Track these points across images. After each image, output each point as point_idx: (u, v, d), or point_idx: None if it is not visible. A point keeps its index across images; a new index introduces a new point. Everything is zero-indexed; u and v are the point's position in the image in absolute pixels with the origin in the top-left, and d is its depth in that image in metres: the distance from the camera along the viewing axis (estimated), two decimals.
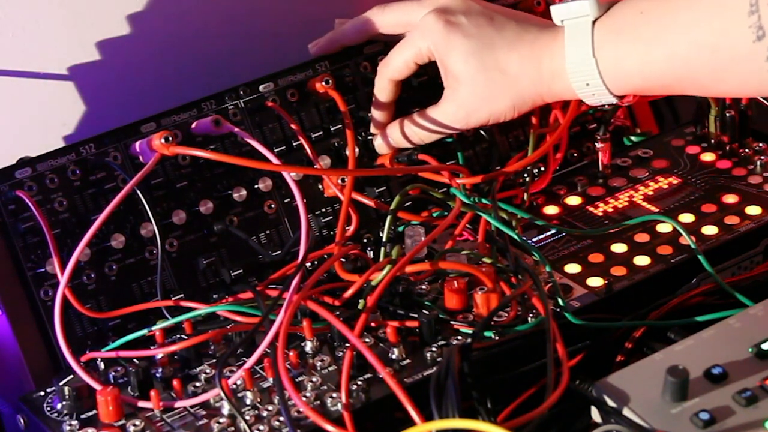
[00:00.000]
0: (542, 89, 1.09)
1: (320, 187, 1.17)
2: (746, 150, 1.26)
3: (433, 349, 1.03)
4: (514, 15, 1.13)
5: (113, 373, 1.04)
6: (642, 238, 1.16)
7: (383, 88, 1.16)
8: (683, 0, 1.01)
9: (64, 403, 1.01)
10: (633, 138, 1.30)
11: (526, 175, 1.21)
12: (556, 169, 1.23)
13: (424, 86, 1.20)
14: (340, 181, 1.15)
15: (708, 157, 1.26)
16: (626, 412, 0.94)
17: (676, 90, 1.07)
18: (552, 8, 1.08)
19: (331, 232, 1.17)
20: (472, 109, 1.11)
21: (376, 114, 1.17)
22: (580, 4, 1.06)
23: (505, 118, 1.12)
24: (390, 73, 1.15)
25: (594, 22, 1.06)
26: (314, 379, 1.01)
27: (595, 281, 1.11)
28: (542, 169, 1.23)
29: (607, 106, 1.10)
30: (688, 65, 1.02)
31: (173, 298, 1.09)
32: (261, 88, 1.16)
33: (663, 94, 1.12)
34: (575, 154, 1.27)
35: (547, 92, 1.10)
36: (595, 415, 0.97)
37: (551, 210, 1.21)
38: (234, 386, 1.01)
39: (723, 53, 0.99)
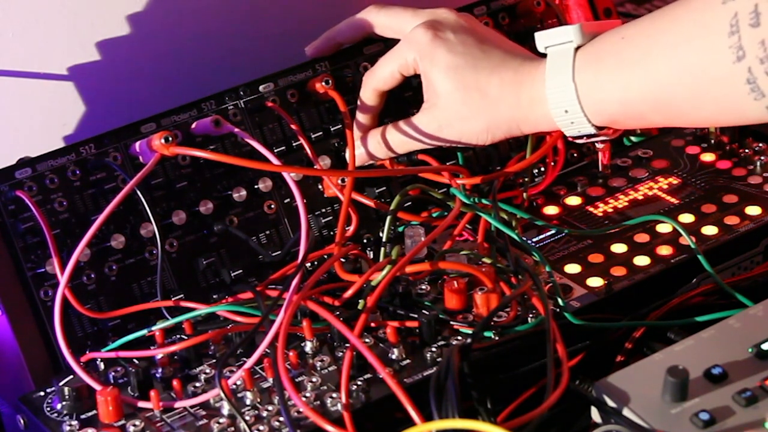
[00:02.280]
0: (519, 116, 1.08)
1: (320, 187, 1.17)
2: (746, 150, 1.26)
3: (433, 349, 1.03)
4: (503, 43, 1.12)
5: (113, 374, 1.04)
6: (642, 238, 1.16)
7: (368, 98, 1.15)
8: (665, 24, 1.00)
9: (64, 403, 1.01)
10: (633, 138, 1.30)
11: (525, 176, 1.21)
12: (555, 176, 1.23)
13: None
14: (340, 182, 1.15)
15: (708, 157, 1.26)
16: (626, 412, 0.94)
17: (655, 118, 1.04)
18: (536, 35, 1.07)
19: (331, 233, 1.17)
20: (445, 124, 1.10)
21: (360, 122, 1.16)
22: (564, 30, 1.05)
23: (477, 141, 1.10)
24: (375, 82, 1.14)
25: (577, 49, 1.05)
26: (314, 379, 1.01)
27: (595, 281, 1.11)
28: (542, 169, 1.23)
29: (585, 138, 1.08)
30: (668, 89, 1.00)
31: (173, 299, 1.09)
32: (261, 88, 1.16)
33: (642, 126, 1.09)
34: (575, 154, 1.27)
35: (523, 120, 1.08)
36: (595, 415, 0.97)
37: (551, 210, 1.21)
38: (234, 386, 1.01)
39: (702, 75, 0.98)
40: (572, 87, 1.04)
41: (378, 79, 1.14)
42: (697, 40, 0.97)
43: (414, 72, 1.12)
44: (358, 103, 1.16)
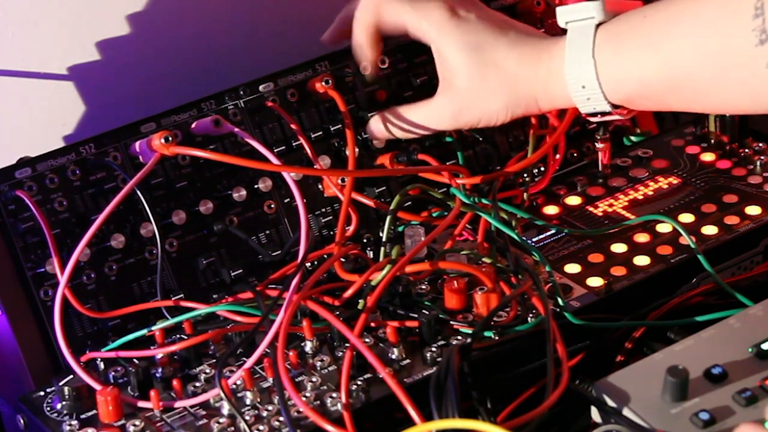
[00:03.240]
0: (538, 91, 1.08)
1: (320, 187, 1.17)
2: (746, 150, 1.26)
3: (433, 349, 1.03)
4: (521, 25, 1.13)
5: (113, 373, 1.04)
6: (642, 238, 1.16)
7: (362, 32, 1.13)
8: (688, 5, 1.01)
9: (64, 403, 1.01)
10: (633, 138, 1.30)
11: (525, 175, 1.21)
12: (556, 170, 1.23)
13: (425, 86, 1.20)
14: (340, 181, 1.15)
15: (708, 157, 1.26)
16: (626, 412, 0.94)
17: (672, 100, 1.05)
18: (558, 9, 1.08)
19: (331, 232, 1.16)
20: (464, 105, 1.10)
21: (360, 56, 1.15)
22: (585, 6, 1.06)
23: (497, 121, 1.11)
24: (377, 18, 1.12)
25: (598, 26, 1.05)
26: (314, 379, 1.01)
27: (595, 281, 1.11)
28: (542, 169, 1.23)
29: (599, 117, 1.08)
30: (688, 70, 1.01)
31: (173, 298, 1.09)
32: (261, 88, 1.16)
33: (657, 108, 1.09)
34: (575, 154, 1.27)
35: (542, 95, 1.08)
36: (595, 415, 0.97)
37: (551, 210, 1.21)
38: (234, 386, 1.01)
39: (724, 57, 0.98)
40: (591, 63, 1.04)
41: (378, 15, 1.11)
42: (720, 23, 0.98)
43: (415, 38, 1.11)
44: (354, 37, 1.14)
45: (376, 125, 1.16)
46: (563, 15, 1.07)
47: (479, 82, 1.09)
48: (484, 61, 1.09)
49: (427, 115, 1.13)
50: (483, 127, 1.12)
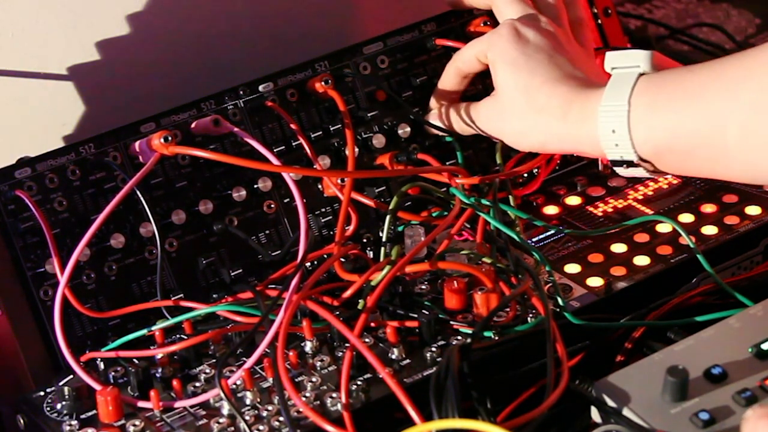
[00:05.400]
0: (561, 131, 1.07)
1: (320, 186, 1.17)
2: None
3: (433, 349, 1.03)
4: (583, 64, 1.11)
5: (113, 373, 1.04)
6: (642, 238, 1.16)
7: (449, 75, 1.18)
8: (734, 60, 0.99)
9: (64, 403, 1.01)
10: None
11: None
12: (554, 169, 1.24)
13: (425, 86, 1.20)
14: (339, 181, 1.15)
15: None
16: (626, 412, 0.94)
17: (698, 156, 1.00)
18: (607, 54, 1.06)
19: (331, 232, 1.16)
20: (495, 117, 1.12)
21: (437, 96, 1.20)
22: (634, 54, 1.04)
23: (514, 144, 1.12)
24: (457, 62, 1.17)
25: (642, 75, 1.03)
26: (314, 379, 1.01)
27: (594, 281, 1.11)
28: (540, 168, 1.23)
29: (625, 167, 1.05)
30: (725, 125, 0.97)
31: (173, 298, 1.09)
32: (261, 88, 1.16)
33: (683, 167, 1.03)
34: (575, 154, 1.27)
35: (565, 136, 1.07)
36: (595, 415, 0.97)
37: (551, 210, 1.21)
38: (234, 386, 1.01)
39: (759, 114, 0.95)
40: (626, 108, 1.02)
41: (460, 60, 1.17)
42: (763, 76, 0.95)
43: (485, 60, 1.14)
44: (441, 77, 1.19)
45: (431, 116, 1.19)
46: (611, 60, 1.06)
47: (503, 104, 1.10)
48: (516, 85, 1.09)
49: (470, 115, 1.15)
50: (508, 143, 1.13)
